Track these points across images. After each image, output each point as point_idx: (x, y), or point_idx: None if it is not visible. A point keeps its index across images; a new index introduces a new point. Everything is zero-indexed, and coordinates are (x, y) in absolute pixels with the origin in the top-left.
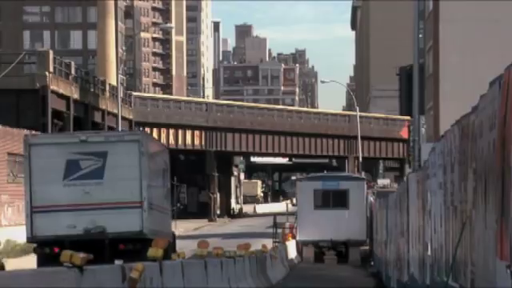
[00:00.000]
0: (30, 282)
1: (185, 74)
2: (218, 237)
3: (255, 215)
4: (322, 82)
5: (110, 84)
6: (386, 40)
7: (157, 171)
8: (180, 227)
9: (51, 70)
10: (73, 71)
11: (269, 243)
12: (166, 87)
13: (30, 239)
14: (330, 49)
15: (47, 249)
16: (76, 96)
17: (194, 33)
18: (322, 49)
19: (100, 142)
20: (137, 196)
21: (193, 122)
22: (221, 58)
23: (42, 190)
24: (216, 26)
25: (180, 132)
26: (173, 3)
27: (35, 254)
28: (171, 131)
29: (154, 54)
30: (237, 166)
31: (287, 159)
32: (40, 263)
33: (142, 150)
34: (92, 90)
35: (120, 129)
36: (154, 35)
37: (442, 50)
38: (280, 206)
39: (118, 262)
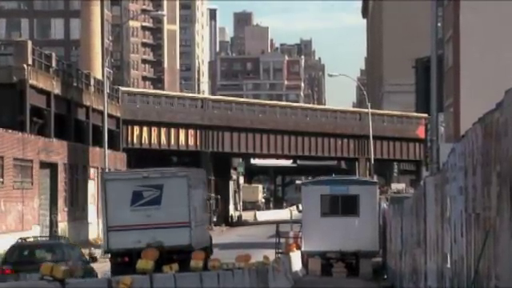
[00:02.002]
0: None
1: (178, 66)
2: (214, 247)
3: (256, 223)
4: (330, 75)
5: (95, 78)
6: (401, 29)
7: (199, 194)
8: None
9: (30, 62)
10: (54, 64)
11: (271, 254)
12: (157, 81)
13: (107, 251)
14: (339, 39)
15: (119, 258)
16: (57, 91)
17: (187, 21)
18: (329, 39)
19: (158, 177)
20: (186, 217)
21: (187, 120)
22: (218, 50)
23: (115, 214)
24: (212, 13)
25: (172, 131)
26: None
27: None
28: (163, 130)
29: (144, 44)
30: (235, 169)
31: (291, 161)
32: (113, 270)
33: (190, 183)
34: (75, 84)
35: (106, 127)
36: (144, 24)
37: (463, 41)
38: (283, 213)
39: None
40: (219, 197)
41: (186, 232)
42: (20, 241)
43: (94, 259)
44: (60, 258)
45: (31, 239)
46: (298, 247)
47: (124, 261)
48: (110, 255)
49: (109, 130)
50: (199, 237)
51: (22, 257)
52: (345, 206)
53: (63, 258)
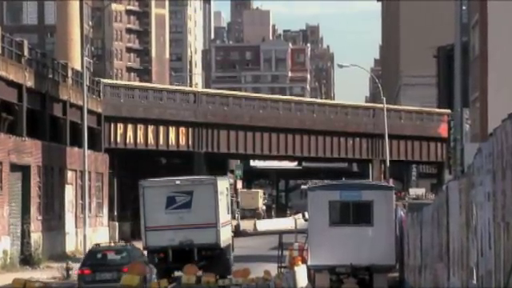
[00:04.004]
0: None
1: (167, 56)
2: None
3: (256, 233)
4: (340, 66)
5: (73, 69)
6: (421, 13)
7: (224, 199)
8: None
9: None
10: (26, 52)
11: (273, 269)
12: (144, 73)
13: (145, 248)
14: (350, 25)
15: (155, 255)
16: (30, 84)
17: (178, 4)
18: (339, 25)
19: (188, 185)
20: (213, 219)
21: (177, 116)
22: (212, 37)
23: (152, 216)
24: None
25: (161, 129)
26: None
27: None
28: (150, 128)
29: (129, 30)
30: (233, 172)
31: (296, 163)
32: (155, 265)
33: (216, 190)
34: (50, 76)
35: (86, 125)
36: (129, 7)
37: (492, 26)
38: (287, 222)
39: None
40: (239, 200)
41: (213, 232)
42: (95, 246)
43: (67, 273)
44: (126, 261)
45: (104, 245)
46: (304, 261)
47: (160, 256)
48: (147, 252)
49: (89, 128)
50: (224, 235)
51: (97, 259)
52: (357, 214)
53: (129, 260)
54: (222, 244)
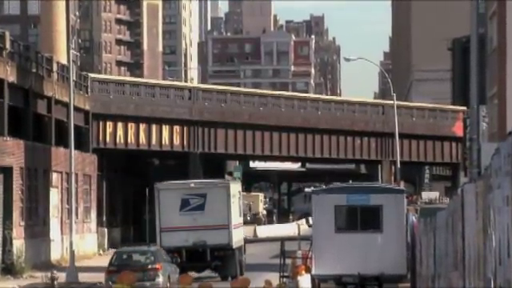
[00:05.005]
0: None
1: (160, 48)
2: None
3: (256, 240)
4: (347, 59)
5: (58, 62)
6: (434, 3)
7: (236, 202)
8: None
9: None
10: (8, 45)
11: (274, 278)
12: (135, 67)
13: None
14: (358, 15)
15: (170, 254)
16: (12, 79)
17: None
18: (346, 15)
19: (202, 187)
20: (225, 221)
21: (171, 114)
22: (209, 28)
23: (167, 217)
24: None
25: (154, 127)
26: None
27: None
28: (142, 126)
29: (119, 21)
30: (231, 174)
31: (299, 165)
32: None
33: (229, 193)
34: (34, 70)
35: (72, 123)
36: None
37: (511, 17)
38: (289, 228)
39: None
40: (252, 202)
41: (226, 233)
42: (121, 248)
43: (52, 283)
44: (151, 261)
45: (129, 248)
46: (308, 270)
47: (174, 256)
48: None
49: (76, 127)
50: (236, 236)
51: (123, 260)
52: (365, 220)
53: (153, 261)
54: (234, 245)
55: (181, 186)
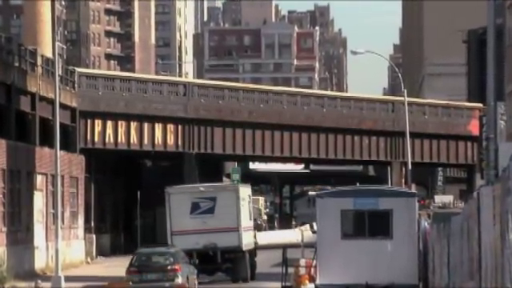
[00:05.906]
0: None
1: (153, 41)
2: (202, 278)
3: (256, 247)
4: (354, 53)
5: (43, 56)
6: None
7: (246, 205)
8: None
9: None
10: None
11: None
12: (126, 61)
13: None
14: (365, 5)
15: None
16: None
17: None
18: (353, 5)
19: (212, 191)
20: (235, 224)
21: (165, 111)
22: (205, 19)
23: (178, 221)
24: None
25: (146, 126)
26: None
27: None
28: (133, 125)
29: (108, 11)
30: (229, 176)
31: (302, 166)
32: None
33: (238, 196)
34: (17, 64)
35: (58, 122)
36: None
37: None
38: (292, 235)
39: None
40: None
41: (235, 235)
42: (141, 249)
43: None
44: (170, 262)
45: (149, 249)
46: (312, 279)
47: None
48: None
49: (61, 125)
50: (246, 239)
51: (143, 261)
52: (373, 225)
53: (173, 262)
54: (245, 247)
55: (191, 190)
